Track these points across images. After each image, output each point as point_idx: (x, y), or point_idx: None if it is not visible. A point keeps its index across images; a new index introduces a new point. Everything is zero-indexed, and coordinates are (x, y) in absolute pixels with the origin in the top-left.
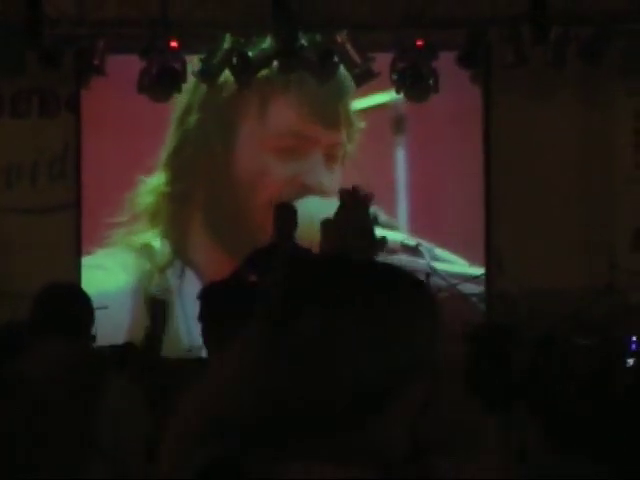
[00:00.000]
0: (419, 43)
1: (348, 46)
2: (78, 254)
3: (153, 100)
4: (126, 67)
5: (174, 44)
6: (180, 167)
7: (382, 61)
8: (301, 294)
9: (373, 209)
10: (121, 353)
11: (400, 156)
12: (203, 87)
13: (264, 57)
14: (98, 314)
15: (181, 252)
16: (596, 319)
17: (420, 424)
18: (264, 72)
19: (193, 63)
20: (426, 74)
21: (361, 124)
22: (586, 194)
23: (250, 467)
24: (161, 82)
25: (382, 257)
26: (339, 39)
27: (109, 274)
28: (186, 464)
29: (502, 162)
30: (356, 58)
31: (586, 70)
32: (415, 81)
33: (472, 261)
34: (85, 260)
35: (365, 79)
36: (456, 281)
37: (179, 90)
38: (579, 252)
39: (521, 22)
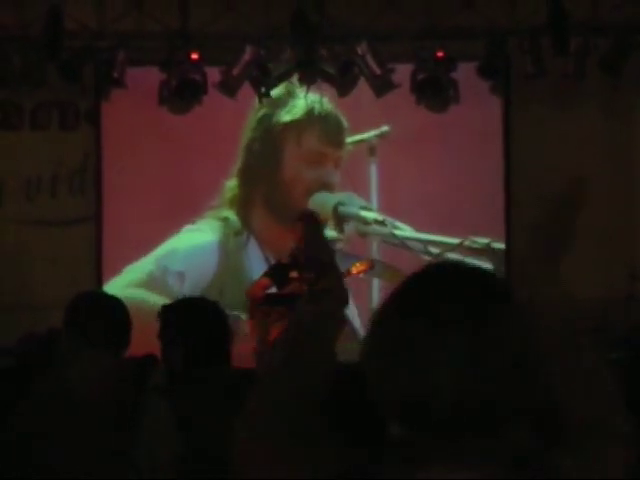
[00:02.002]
0: (439, 54)
1: (368, 57)
2: (98, 267)
3: (173, 112)
4: (146, 79)
5: (195, 56)
6: (247, 177)
7: (402, 72)
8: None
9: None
10: (142, 366)
11: (373, 169)
12: (261, 127)
13: (284, 69)
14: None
15: (248, 225)
16: (617, 331)
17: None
18: (299, 115)
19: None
20: (446, 85)
21: (349, 147)
22: (606, 205)
23: (382, 468)
24: (181, 94)
25: (361, 230)
26: (359, 50)
27: (203, 233)
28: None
29: (522, 173)
30: (376, 69)
31: (606, 81)
32: (435, 92)
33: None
34: (188, 226)
35: (385, 90)
36: (413, 243)
37: (199, 102)
38: (599, 263)
39: (541, 33)
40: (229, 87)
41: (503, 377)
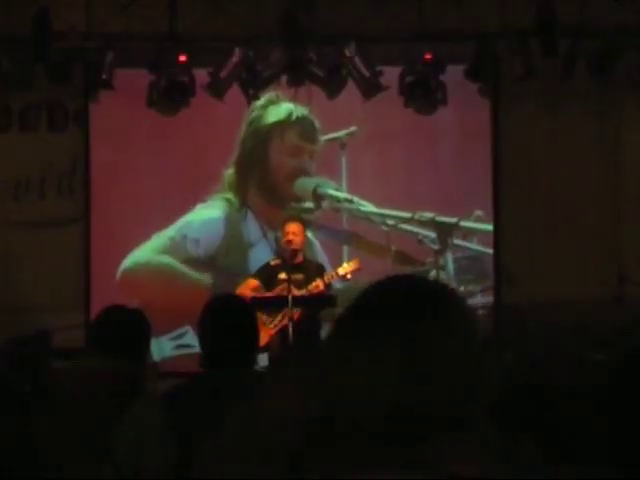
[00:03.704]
0: (427, 56)
1: (357, 59)
2: (87, 268)
3: (161, 114)
4: (134, 81)
5: (183, 58)
6: (242, 166)
7: (390, 74)
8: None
9: None
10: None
11: (343, 160)
12: (252, 127)
13: (273, 71)
14: (206, 230)
15: (245, 203)
16: (605, 333)
17: None
18: (282, 117)
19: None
20: (434, 87)
21: (322, 143)
22: (596, 206)
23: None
24: (169, 96)
25: (334, 206)
26: (347, 52)
27: (212, 209)
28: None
29: (511, 175)
30: (364, 71)
31: (596, 83)
32: (423, 94)
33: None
34: (200, 204)
35: (373, 92)
36: (374, 217)
37: (187, 104)
38: (589, 265)
39: (530, 35)
40: (217, 89)
41: (436, 389)
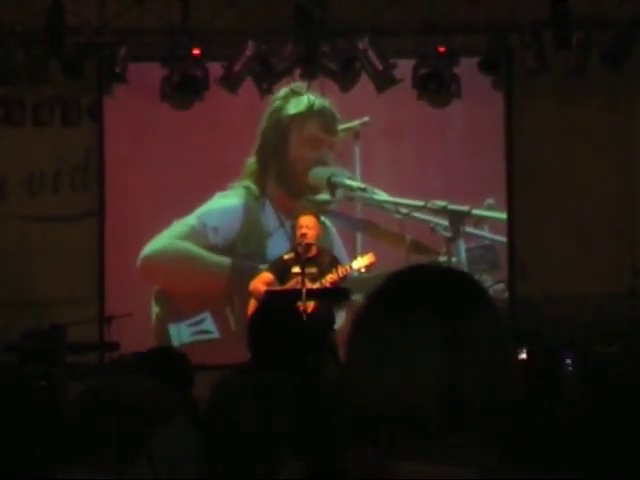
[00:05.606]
0: (441, 49)
1: (370, 52)
2: (101, 262)
3: (175, 108)
4: (148, 75)
5: (196, 52)
6: (262, 156)
7: (404, 67)
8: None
9: None
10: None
11: (357, 150)
12: (273, 118)
13: (286, 64)
14: (224, 219)
15: (264, 193)
16: (618, 325)
17: None
18: (303, 109)
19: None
20: (448, 80)
21: (341, 134)
22: (610, 199)
23: (359, 467)
24: (183, 90)
25: (348, 195)
26: (361, 46)
27: (231, 198)
28: None
29: (524, 167)
30: (378, 64)
31: (608, 75)
32: (437, 87)
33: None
34: (220, 193)
35: (387, 85)
36: (387, 205)
37: (201, 98)
38: (604, 257)
39: (542, 27)
40: (231, 82)
41: (481, 377)
